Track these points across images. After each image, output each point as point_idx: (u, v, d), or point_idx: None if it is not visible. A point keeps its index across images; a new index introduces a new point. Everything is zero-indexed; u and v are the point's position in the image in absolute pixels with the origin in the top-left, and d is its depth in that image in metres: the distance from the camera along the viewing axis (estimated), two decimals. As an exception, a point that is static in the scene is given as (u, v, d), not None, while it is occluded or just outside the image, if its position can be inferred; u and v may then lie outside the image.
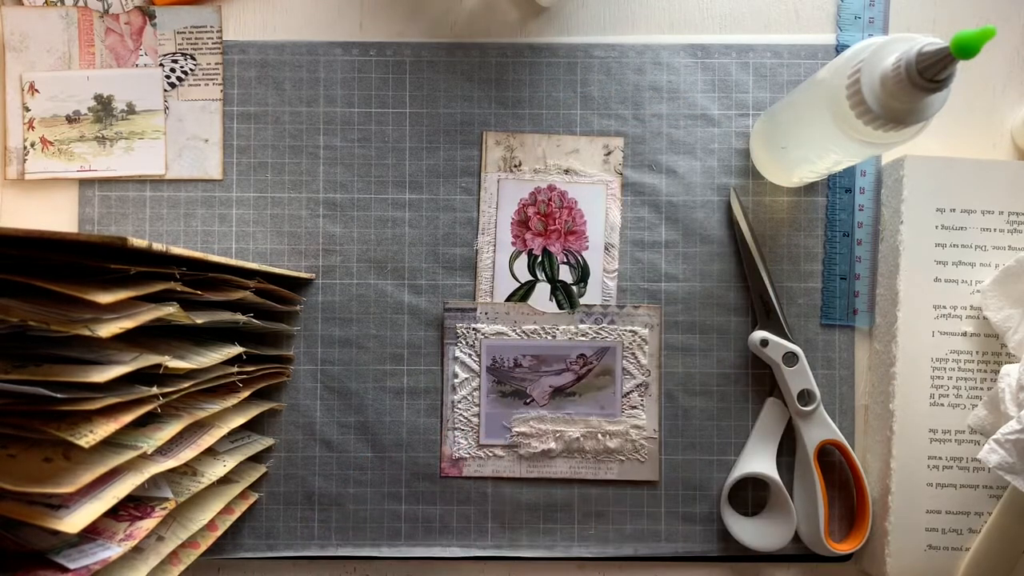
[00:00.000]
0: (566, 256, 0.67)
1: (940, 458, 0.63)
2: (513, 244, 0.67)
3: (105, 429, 0.42)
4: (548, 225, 0.67)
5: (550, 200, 0.67)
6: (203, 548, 0.56)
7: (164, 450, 0.50)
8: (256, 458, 0.65)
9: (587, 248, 0.67)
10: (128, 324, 0.42)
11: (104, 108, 0.68)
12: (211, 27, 0.68)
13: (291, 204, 0.68)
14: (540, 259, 0.67)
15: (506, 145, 0.67)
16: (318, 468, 0.67)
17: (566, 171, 0.67)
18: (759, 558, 0.67)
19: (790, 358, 0.65)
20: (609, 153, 0.67)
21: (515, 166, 0.67)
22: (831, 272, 0.67)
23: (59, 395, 0.39)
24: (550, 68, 0.68)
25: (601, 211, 0.67)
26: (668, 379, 0.67)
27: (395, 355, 0.68)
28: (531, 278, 0.67)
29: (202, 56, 0.68)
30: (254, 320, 0.58)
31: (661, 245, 0.67)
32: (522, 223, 0.67)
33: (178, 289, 0.47)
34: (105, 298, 0.40)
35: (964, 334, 0.64)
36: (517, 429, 0.67)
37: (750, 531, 0.66)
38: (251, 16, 0.69)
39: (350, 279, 0.68)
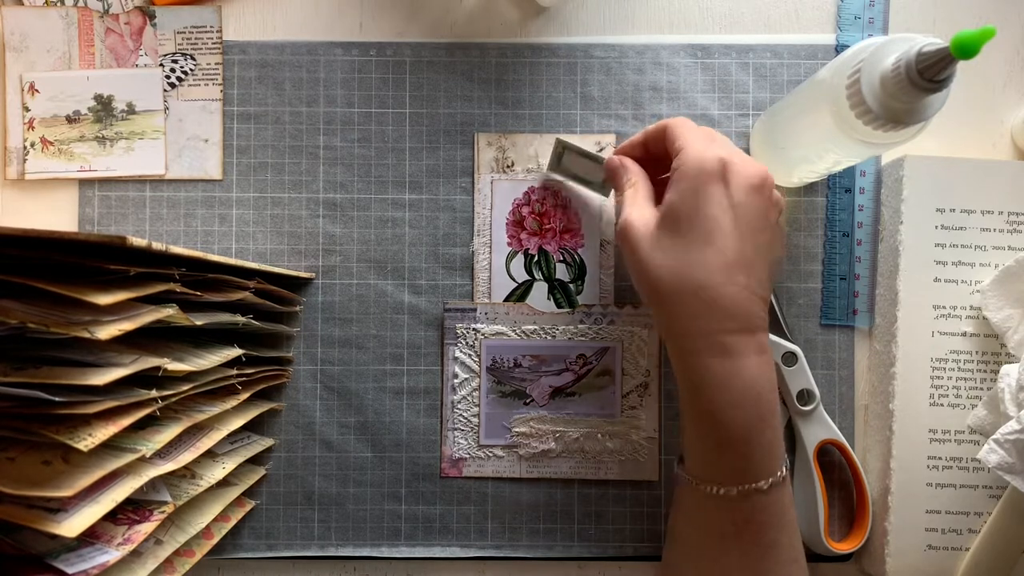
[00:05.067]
0: (562, 254, 0.67)
1: (940, 458, 0.63)
2: (509, 244, 0.67)
3: (104, 432, 0.42)
4: (543, 224, 0.67)
5: (544, 199, 0.67)
6: (199, 556, 0.56)
7: (163, 453, 0.50)
8: (256, 459, 0.65)
9: (583, 246, 0.67)
10: (127, 326, 0.42)
11: (104, 108, 0.68)
12: (211, 27, 0.68)
13: (291, 204, 0.68)
14: (536, 258, 0.67)
15: (498, 146, 0.67)
16: (318, 468, 0.67)
17: (560, 170, 0.67)
18: (759, 558, 0.67)
19: (789, 358, 0.65)
20: (601, 150, 0.67)
21: (508, 166, 0.67)
22: (831, 272, 0.67)
23: (58, 398, 0.39)
24: (550, 68, 0.68)
25: (596, 208, 0.67)
26: (668, 379, 0.67)
27: (395, 355, 0.68)
28: (528, 278, 0.67)
29: (202, 56, 0.68)
30: (253, 321, 0.58)
31: (661, 245, 0.67)
32: (517, 223, 0.67)
33: (177, 290, 0.47)
34: (104, 299, 0.40)
35: (964, 334, 0.64)
36: (517, 429, 0.67)
37: (750, 531, 0.66)
38: (251, 16, 0.69)
39: (350, 279, 0.68)
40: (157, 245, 0.44)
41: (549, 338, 0.67)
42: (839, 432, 0.65)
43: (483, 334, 0.67)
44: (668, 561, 0.60)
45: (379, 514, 0.67)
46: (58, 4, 0.67)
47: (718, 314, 0.50)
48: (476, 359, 0.67)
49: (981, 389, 0.63)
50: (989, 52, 0.66)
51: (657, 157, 0.58)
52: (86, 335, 0.39)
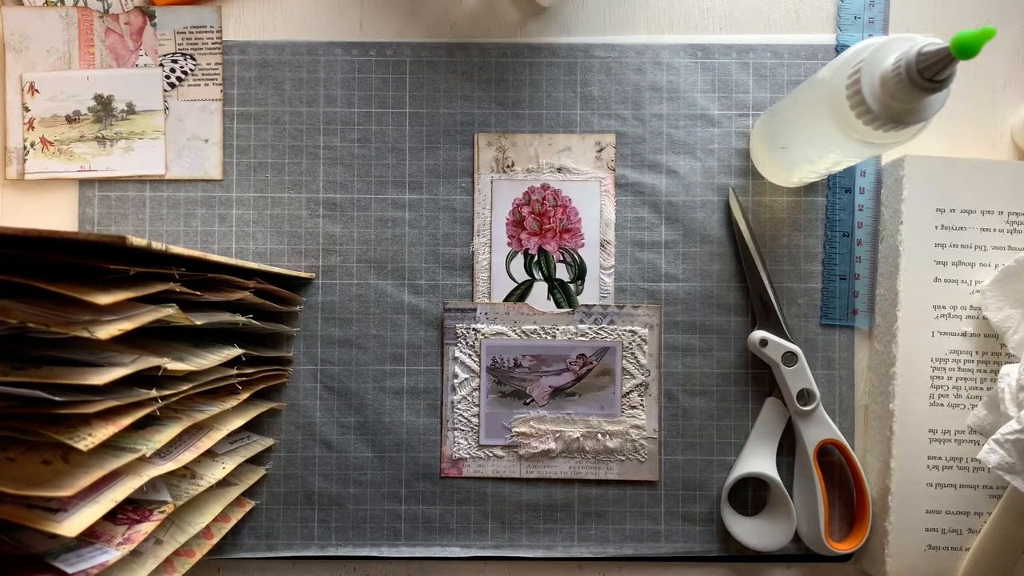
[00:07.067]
0: (562, 254, 0.67)
1: (940, 458, 0.63)
2: (509, 244, 0.67)
3: (104, 432, 0.42)
4: (543, 224, 0.67)
5: (544, 199, 0.67)
6: (199, 556, 0.56)
7: (163, 453, 0.50)
8: (256, 459, 0.65)
9: (583, 245, 0.67)
10: (127, 326, 0.42)
11: (104, 108, 0.68)
12: (211, 27, 0.68)
13: (291, 204, 0.68)
14: (536, 258, 0.67)
15: (498, 146, 0.67)
16: (318, 468, 0.67)
17: (559, 169, 0.67)
18: (759, 558, 0.67)
19: (789, 358, 0.65)
20: (601, 150, 0.67)
21: (508, 166, 0.67)
22: (831, 272, 0.67)
23: (58, 398, 0.39)
24: (550, 68, 0.68)
25: (595, 208, 0.67)
26: (668, 379, 0.67)
27: (395, 355, 0.68)
28: (528, 278, 0.67)
29: (202, 56, 0.68)
30: (253, 321, 0.58)
31: (661, 245, 0.67)
32: (517, 223, 0.67)
33: (177, 290, 0.47)
34: (104, 299, 0.40)
35: (964, 334, 0.64)
36: (517, 429, 0.67)
37: (750, 531, 0.66)
38: (251, 16, 0.69)
39: (350, 279, 0.68)
40: (157, 245, 0.43)
41: (549, 338, 0.67)
42: (839, 432, 0.65)
43: (483, 334, 0.67)
44: None
45: (379, 514, 0.67)
46: (58, 4, 0.67)
47: None
48: (476, 359, 0.67)
49: (981, 389, 0.63)
50: (989, 52, 0.66)
51: None
52: (86, 335, 0.39)
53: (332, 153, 0.68)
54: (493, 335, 0.67)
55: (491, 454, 0.67)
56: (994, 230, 0.64)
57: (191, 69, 0.68)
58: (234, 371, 0.57)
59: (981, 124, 0.68)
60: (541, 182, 0.67)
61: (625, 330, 0.67)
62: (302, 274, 0.66)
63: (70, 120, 0.67)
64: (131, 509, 0.49)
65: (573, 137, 0.67)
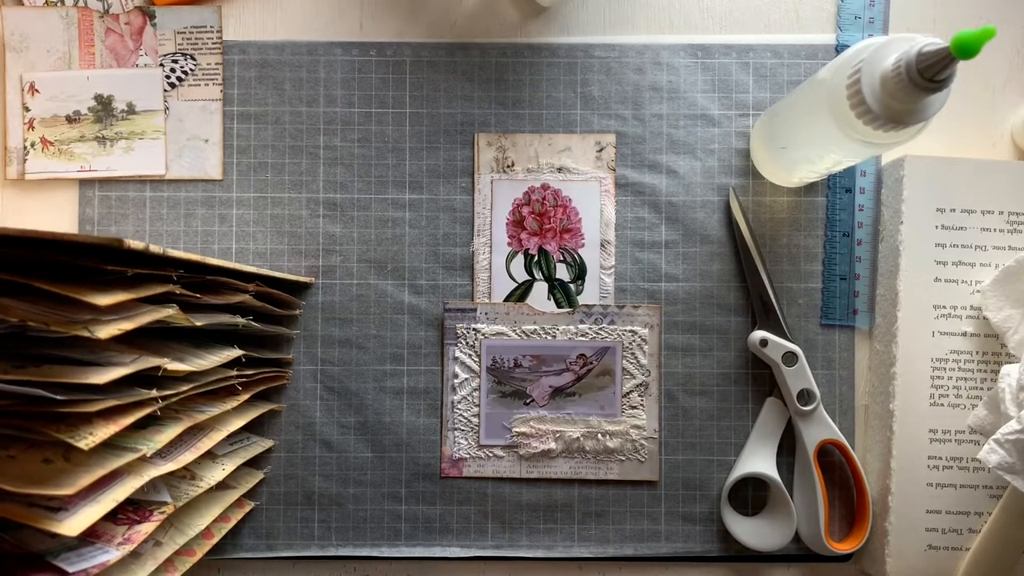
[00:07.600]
0: (562, 254, 0.67)
1: (940, 458, 0.63)
2: (509, 244, 0.67)
3: (105, 431, 0.42)
4: (543, 224, 0.67)
5: (544, 199, 0.67)
6: (199, 556, 0.56)
7: (163, 453, 0.50)
8: (256, 460, 0.65)
9: (583, 245, 0.67)
10: (127, 326, 0.42)
11: (104, 108, 0.67)
12: (211, 27, 0.68)
13: (291, 204, 0.68)
14: (536, 258, 0.67)
15: (498, 146, 0.67)
16: (318, 468, 0.67)
17: (559, 169, 0.67)
18: (759, 558, 0.67)
19: (789, 358, 0.65)
20: (601, 150, 0.67)
21: (508, 166, 0.67)
22: (831, 272, 0.67)
23: (59, 396, 0.39)
24: (550, 68, 0.68)
25: (596, 208, 0.67)
26: (668, 379, 0.67)
27: (395, 355, 0.68)
28: (528, 278, 0.67)
29: (202, 56, 0.68)
30: (253, 323, 0.58)
31: (661, 245, 0.67)
32: (517, 223, 0.67)
33: (176, 292, 0.47)
34: (103, 300, 0.40)
35: (964, 334, 0.64)
36: (517, 429, 0.67)
37: (750, 531, 0.66)
38: (251, 16, 0.69)
39: (350, 279, 0.68)
40: (155, 248, 0.43)
41: (549, 338, 0.67)
42: (839, 432, 0.65)
43: (483, 334, 0.67)
44: None
45: (379, 514, 0.67)
46: (58, 4, 0.67)
47: None
48: (476, 359, 0.67)
49: (981, 389, 0.63)
50: (989, 52, 0.66)
51: None
52: (86, 334, 0.39)
53: (332, 153, 0.68)
54: (493, 335, 0.67)
55: (491, 454, 0.67)
56: (994, 230, 0.64)
57: (191, 69, 0.68)
58: (234, 372, 0.57)
59: (981, 124, 0.68)
60: (541, 182, 0.67)
61: (625, 330, 0.67)
62: (301, 279, 0.66)
63: (70, 120, 0.67)
64: (131, 509, 0.49)
65: (573, 137, 0.67)
